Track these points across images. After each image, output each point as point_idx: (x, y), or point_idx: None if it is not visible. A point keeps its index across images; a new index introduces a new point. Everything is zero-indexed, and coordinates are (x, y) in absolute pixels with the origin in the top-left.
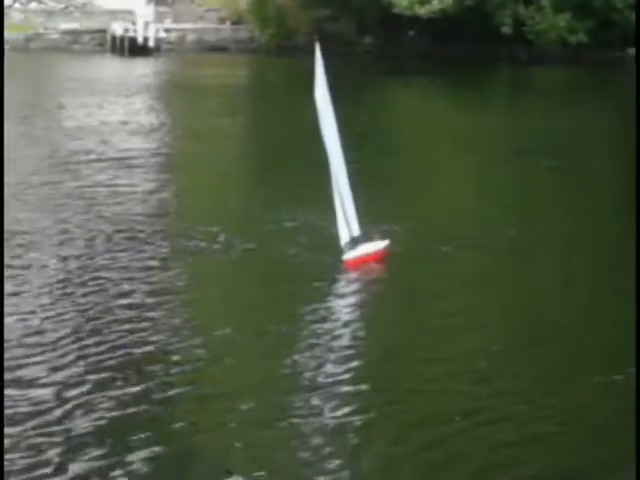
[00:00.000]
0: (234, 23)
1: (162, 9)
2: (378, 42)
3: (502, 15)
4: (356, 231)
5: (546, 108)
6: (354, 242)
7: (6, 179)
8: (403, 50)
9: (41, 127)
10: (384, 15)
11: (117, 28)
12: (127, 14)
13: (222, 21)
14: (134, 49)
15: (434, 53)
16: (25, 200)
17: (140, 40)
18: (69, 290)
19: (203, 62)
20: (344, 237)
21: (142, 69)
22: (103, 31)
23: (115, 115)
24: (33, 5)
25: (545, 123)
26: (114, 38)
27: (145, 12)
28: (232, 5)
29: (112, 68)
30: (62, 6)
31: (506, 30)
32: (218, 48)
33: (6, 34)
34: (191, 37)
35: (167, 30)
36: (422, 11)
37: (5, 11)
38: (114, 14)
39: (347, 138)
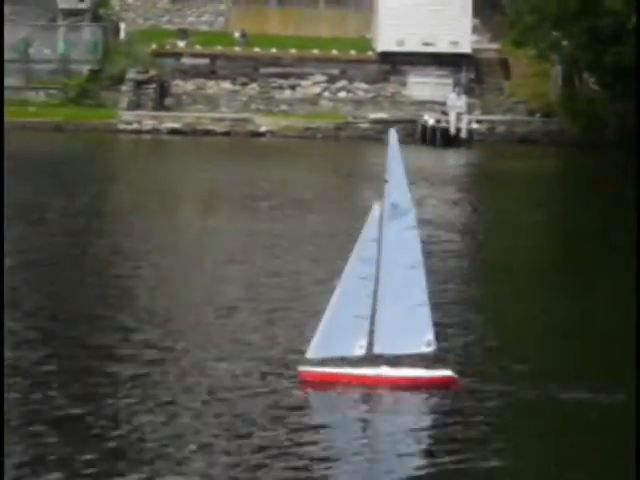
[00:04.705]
0: (544, 115)
1: (471, 100)
2: None
3: None
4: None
5: None
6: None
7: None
8: None
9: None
10: None
11: (429, 119)
12: (435, 105)
13: (531, 113)
14: (446, 140)
15: None
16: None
17: (452, 131)
18: None
19: (513, 154)
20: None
21: (455, 160)
22: (412, 121)
23: (431, 207)
24: (342, 94)
25: None
26: (424, 128)
27: (457, 103)
28: (541, 98)
29: (425, 159)
30: (371, 95)
31: None
32: (527, 140)
33: (317, 122)
34: (500, 128)
35: (478, 121)
36: None
37: (314, 99)
38: (422, 104)
39: None
